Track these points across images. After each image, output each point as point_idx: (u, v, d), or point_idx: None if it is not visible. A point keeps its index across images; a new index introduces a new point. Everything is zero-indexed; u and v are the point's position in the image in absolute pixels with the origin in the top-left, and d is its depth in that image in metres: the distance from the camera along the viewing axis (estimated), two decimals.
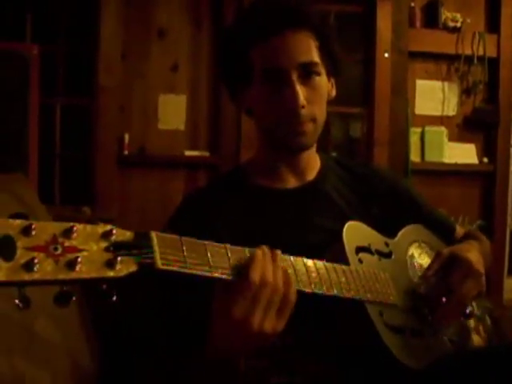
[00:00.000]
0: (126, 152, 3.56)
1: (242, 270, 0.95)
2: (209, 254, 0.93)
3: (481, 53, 3.87)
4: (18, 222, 0.71)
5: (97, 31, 3.53)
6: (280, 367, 1.24)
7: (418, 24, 3.86)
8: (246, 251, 1.00)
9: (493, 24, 3.95)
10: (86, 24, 3.58)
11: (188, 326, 1.15)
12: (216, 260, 0.94)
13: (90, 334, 1.51)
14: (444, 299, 1.28)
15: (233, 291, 0.95)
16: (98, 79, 3.53)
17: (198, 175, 3.66)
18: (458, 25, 3.84)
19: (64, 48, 3.65)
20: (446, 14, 3.85)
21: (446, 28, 3.86)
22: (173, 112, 3.64)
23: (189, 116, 3.67)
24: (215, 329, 0.98)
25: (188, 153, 3.65)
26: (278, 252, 1.02)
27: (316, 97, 1.32)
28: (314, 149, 1.43)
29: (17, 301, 0.71)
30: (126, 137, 3.55)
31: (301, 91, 1.28)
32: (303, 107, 1.28)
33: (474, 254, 1.35)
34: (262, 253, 0.99)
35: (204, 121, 3.70)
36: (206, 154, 3.67)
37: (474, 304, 1.46)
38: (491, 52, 3.90)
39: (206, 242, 0.95)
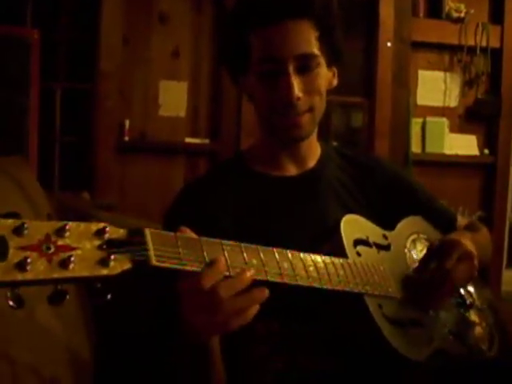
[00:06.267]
0: (127, 138, 3.55)
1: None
2: (204, 250, 0.93)
3: (484, 44, 3.85)
4: (10, 221, 0.71)
5: (98, 16, 3.49)
6: (280, 354, 1.24)
7: (421, 14, 3.84)
8: (242, 246, 0.99)
9: (496, 15, 3.92)
10: (86, 9, 3.56)
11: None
12: (212, 256, 0.93)
13: (89, 327, 1.51)
14: (437, 282, 1.30)
15: (185, 284, 0.94)
16: (99, 64, 3.50)
17: (198, 162, 3.65)
18: (462, 15, 3.82)
19: (65, 33, 3.62)
20: (450, 5, 3.83)
21: (449, 18, 3.84)
22: (174, 99, 3.62)
23: (190, 103, 3.66)
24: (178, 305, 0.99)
25: (188, 140, 3.64)
26: (261, 291, 0.96)
27: (314, 87, 1.31)
28: (314, 137, 1.43)
29: (11, 302, 0.71)
30: (127, 123, 3.54)
31: (296, 83, 1.27)
32: (299, 99, 1.28)
33: (466, 239, 1.36)
34: (239, 275, 0.95)
35: (205, 108, 3.68)
36: (207, 141, 3.66)
37: (474, 295, 1.48)
38: (494, 43, 3.89)
39: (202, 238, 0.95)
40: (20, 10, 3.43)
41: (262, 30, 1.29)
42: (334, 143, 3.68)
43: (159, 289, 1.19)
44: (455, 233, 1.48)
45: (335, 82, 1.42)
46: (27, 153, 3.15)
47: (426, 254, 1.35)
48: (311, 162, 1.43)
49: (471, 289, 1.49)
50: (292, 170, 1.41)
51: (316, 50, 1.31)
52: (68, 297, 0.75)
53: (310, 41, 1.30)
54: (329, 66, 1.37)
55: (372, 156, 1.82)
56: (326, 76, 1.36)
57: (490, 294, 1.57)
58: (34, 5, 3.47)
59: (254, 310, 0.96)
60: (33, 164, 3.13)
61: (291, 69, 1.27)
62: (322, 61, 1.33)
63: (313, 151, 1.45)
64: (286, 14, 1.27)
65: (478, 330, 1.43)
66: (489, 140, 3.99)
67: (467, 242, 1.33)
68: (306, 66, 1.30)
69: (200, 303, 0.93)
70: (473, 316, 1.44)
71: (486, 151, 3.96)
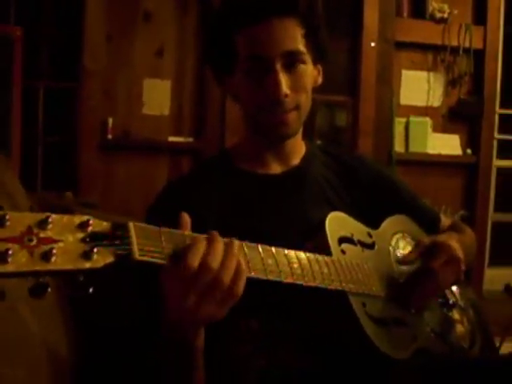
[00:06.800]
0: (110, 136, 3.53)
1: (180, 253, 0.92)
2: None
3: (467, 44, 3.89)
4: None
5: (82, 13, 3.48)
6: (263, 352, 1.24)
7: (405, 14, 3.86)
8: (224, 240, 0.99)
9: (479, 16, 3.96)
10: (70, 6, 3.54)
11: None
12: None
13: (67, 322, 1.50)
14: (422, 282, 1.31)
15: (170, 271, 0.92)
16: (83, 62, 3.49)
17: (181, 161, 3.65)
18: (445, 16, 3.85)
19: (48, 30, 3.60)
20: (433, 5, 3.86)
21: (432, 19, 3.87)
22: (157, 97, 3.61)
23: (173, 101, 3.65)
24: (164, 301, 0.97)
25: (172, 138, 3.63)
26: (235, 242, 0.98)
27: (300, 85, 1.31)
28: (299, 135, 1.43)
29: None
30: (110, 121, 3.53)
31: (284, 80, 1.27)
32: (286, 96, 1.28)
33: (454, 241, 1.36)
34: (211, 239, 0.95)
35: (188, 106, 3.68)
36: (190, 139, 3.66)
37: (457, 295, 1.49)
38: (477, 44, 3.92)
39: (186, 232, 0.94)
40: (3, 7, 3.40)
41: (248, 29, 1.28)
42: (318, 142, 3.69)
43: (142, 286, 1.19)
44: (444, 234, 1.49)
45: (320, 79, 1.42)
46: (10, 152, 3.12)
47: (411, 252, 1.36)
48: (296, 160, 1.43)
49: (454, 288, 1.49)
50: (277, 168, 1.41)
51: (302, 47, 1.30)
52: (49, 290, 0.74)
53: (296, 38, 1.29)
54: (314, 63, 1.37)
55: (356, 154, 1.83)
56: (311, 74, 1.36)
57: (472, 294, 1.58)
58: (17, 2, 3.45)
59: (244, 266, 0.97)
60: (15, 163, 3.10)
61: (278, 66, 1.27)
62: (308, 58, 1.33)
63: (298, 149, 1.45)
64: (271, 12, 1.27)
65: (460, 328, 1.44)
66: (471, 140, 4.02)
67: (456, 246, 1.33)
68: (292, 62, 1.29)
69: (194, 286, 0.92)
70: (455, 315, 1.45)
71: (469, 151, 4.00)
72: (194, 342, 1.02)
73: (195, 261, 0.91)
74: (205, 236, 0.96)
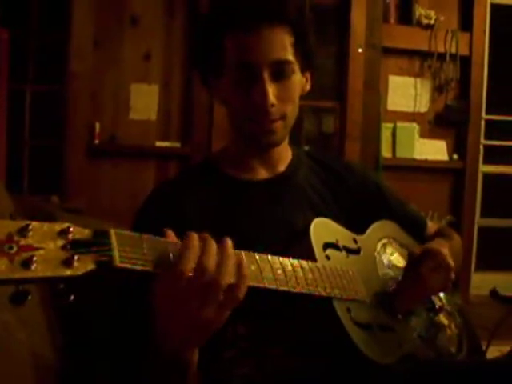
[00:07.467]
0: (97, 141, 3.53)
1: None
2: (170, 252, 0.92)
3: (453, 50, 3.91)
4: None
5: (69, 16, 3.47)
6: (247, 357, 1.24)
7: (392, 20, 3.88)
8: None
9: (465, 22, 3.99)
10: (57, 9, 3.53)
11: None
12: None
13: (53, 330, 1.49)
14: (410, 287, 1.32)
15: (167, 277, 0.91)
16: (70, 66, 3.48)
17: (168, 166, 3.64)
18: (432, 22, 3.88)
19: (35, 33, 3.59)
20: (420, 11, 3.88)
21: (419, 25, 3.89)
22: (144, 102, 3.61)
23: (161, 106, 3.65)
24: (156, 313, 0.95)
25: (159, 143, 3.63)
26: (227, 243, 0.96)
27: (287, 95, 1.31)
28: (285, 142, 1.43)
29: None
30: (97, 126, 3.52)
31: (271, 89, 1.26)
32: (273, 106, 1.27)
33: (445, 249, 1.36)
34: (203, 241, 0.93)
35: (176, 111, 3.68)
36: (177, 144, 3.65)
37: (443, 300, 1.49)
38: (463, 50, 3.95)
39: (168, 240, 0.94)
40: None
41: (237, 36, 1.27)
42: (306, 147, 3.69)
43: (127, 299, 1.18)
44: (435, 241, 1.49)
45: (308, 87, 1.42)
46: None
47: (406, 267, 1.36)
48: (282, 167, 1.43)
49: (441, 293, 1.50)
50: (263, 174, 1.40)
51: (291, 57, 1.30)
52: (30, 297, 0.74)
53: (285, 47, 1.29)
54: (302, 72, 1.36)
55: (343, 160, 1.82)
56: (299, 83, 1.36)
57: (458, 299, 1.58)
58: (3, 4, 3.43)
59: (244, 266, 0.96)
60: (1, 167, 3.09)
61: (266, 75, 1.26)
62: (297, 68, 1.32)
63: (284, 156, 1.44)
64: (261, 20, 1.26)
65: (447, 333, 1.44)
66: (458, 145, 4.04)
67: (447, 253, 1.34)
68: (280, 72, 1.29)
69: (193, 290, 0.91)
70: (442, 320, 1.45)
71: (455, 156, 4.02)
72: (191, 357, 1.00)
73: (191, 263, 0.90)
74: (191, 237, 0.93)
